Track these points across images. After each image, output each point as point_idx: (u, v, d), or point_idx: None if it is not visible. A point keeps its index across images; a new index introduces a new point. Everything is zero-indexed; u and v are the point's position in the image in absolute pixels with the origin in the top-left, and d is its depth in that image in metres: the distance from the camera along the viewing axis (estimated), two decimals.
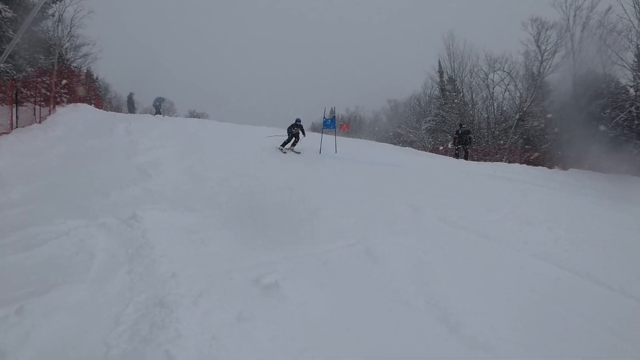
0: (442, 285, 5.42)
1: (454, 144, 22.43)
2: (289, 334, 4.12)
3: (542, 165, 23.31)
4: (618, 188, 16.63)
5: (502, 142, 33.79)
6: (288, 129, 17.27)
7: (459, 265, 6.23)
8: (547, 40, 34.48)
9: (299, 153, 16.62)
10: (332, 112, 17.36)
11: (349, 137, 28.64)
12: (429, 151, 29.10)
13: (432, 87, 43.19)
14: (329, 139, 18.37)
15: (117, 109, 33.80)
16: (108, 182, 9.45)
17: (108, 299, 4.59)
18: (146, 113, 28.75)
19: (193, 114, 51.20)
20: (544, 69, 34.81)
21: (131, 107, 28.48)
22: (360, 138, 31.30)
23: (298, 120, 17.41)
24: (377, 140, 32.38)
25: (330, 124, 18.64)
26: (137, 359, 3.58)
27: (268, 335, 4.01)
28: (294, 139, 17.02)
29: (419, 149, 29.43)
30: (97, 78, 36.47)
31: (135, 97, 29.25)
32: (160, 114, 25.21)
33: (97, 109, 22.89)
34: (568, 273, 6.16)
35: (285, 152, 16.49)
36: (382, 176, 13.34)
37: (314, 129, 46.45)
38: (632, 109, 33.61)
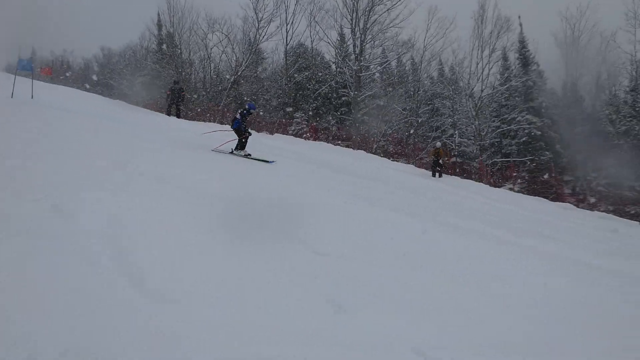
0: (133, 240, 5.18)
1: (167, 100, 22.03)
2: None
3: (251, 129, 24.48)
4: (317, 150, 18.52)
5: (216, 102, 34.47)
6: (238, 123, 13.01)
7: (157, 221, 6.05)
8: (265, 9, 35.97)
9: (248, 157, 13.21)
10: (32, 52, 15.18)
11: (52, 83, 25.82)
12: (143, 106, 28.03)
13: (150, 39, 41.63)
14: (25, 82, 16.13)
15: None
16: None
17: None
18: None
19: None
20: (260, 36, 36.32)
21: None
22: (67, 86, 28.54)
23: (252, 107, 13.61)
24: (86, 91, 29.90)
25: (26, 66, 16.38)
26: None
27: None
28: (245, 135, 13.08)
29: (132, 104, 28.12)
30: None
31: None
32: None
33: None
34: None
35: (247, 156, 12.99)
36: (86, 128, 12.28)
37: (8, 69, 40.56)
38: (332, 82, 37.66)
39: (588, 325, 5.52)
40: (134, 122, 15.19)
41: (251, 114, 13.57)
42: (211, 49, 37.63)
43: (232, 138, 13.41)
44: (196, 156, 11.39)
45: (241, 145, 13.14)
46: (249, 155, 13.18)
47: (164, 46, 37.07)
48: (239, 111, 13.50)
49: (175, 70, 35.51)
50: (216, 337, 3.70)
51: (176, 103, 21.21)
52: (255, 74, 37.41)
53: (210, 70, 38.09)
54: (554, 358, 4.59)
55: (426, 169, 24.41)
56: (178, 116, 21.08)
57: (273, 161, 13.04)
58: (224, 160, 11.82)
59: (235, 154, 13.04)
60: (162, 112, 22.98)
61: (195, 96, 33.61)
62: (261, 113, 33.53)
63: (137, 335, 3.54)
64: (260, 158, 13.09)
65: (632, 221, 20.88)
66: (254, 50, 36.19)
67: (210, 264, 5.18)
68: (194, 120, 25.99)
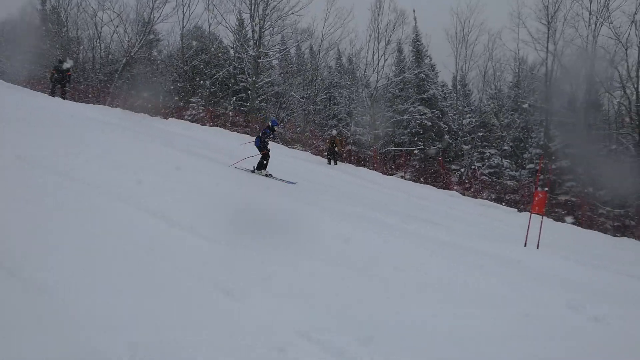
0: (6, 229, 4.85)
1: (51, 80, 20.67)
2: None
3: (144, 113, 23.65)
4: (214, 136, 18.18)
5: (107, 85, 32.88)
6: (261, 140, 12.71)
7: (33, 207, 5.69)
8: None
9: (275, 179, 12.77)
10: None
11: None
12: (24, 86, 26.11)
13: (32, 14, 38.78)
14: None
15: None
16: None
17: None
18: None
19: None
20: (154, 17, 34.95)
21: None
22: None
23: (275, 124, 13.08)
24: None
25: None
26: None
27: None
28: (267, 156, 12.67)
29: (10, 82, 26.09)
30: None
31: None
32: None
33: None
34: (145, 214, 6.35)
35: (269, 176, 12.75)
36: None
37: None
38: (230, 68, 37.13)
39: (460, 300, 5.93)
40: (12, 103, 14.12)
41: (275, 130, 13.27)
42: (101, 27, 35.74)
43: (255, 154, 13.13)
44: (78, 140, 10.81)
45: (262, 165, 12.96)
46: (270, 175, 12.96)
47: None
48: (262, 130, 13.22)
49: (60, 48, 33.36)
50: (93, 326, 3.57)
51: (61, 83, 19.96)
52: (150, 56, 36.02)
53: (101, 50, 36.20)
54: (432, 330, 4.88)
55: (322, 157, 24.79)
56: (63, 97, 19.85)
57: (295, 182, 12.82)
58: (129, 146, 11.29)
59: (256, 173, 12.85)
60: (45, 93, 21.52)
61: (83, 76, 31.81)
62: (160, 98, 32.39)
63: (11, 325, 3.35)
64: (282, 179, 12.84)
65: (510, 208, 22.53)
66: (147, 31, 34.76)
67: (95, 252, 4.96)
68: (81, 102, 24.63)
